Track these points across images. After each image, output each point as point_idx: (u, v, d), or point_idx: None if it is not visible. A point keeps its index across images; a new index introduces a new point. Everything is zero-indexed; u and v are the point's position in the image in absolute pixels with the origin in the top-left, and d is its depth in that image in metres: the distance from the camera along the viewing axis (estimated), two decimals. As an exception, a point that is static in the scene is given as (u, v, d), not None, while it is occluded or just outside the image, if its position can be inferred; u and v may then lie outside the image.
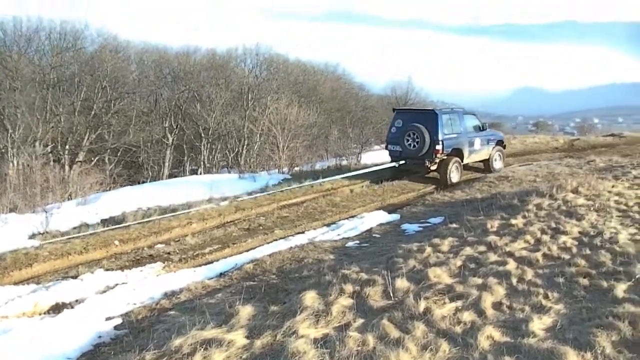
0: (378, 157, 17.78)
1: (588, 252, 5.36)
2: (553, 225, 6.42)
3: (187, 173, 27.84)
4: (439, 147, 12.08)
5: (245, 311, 4.37)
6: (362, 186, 12.19)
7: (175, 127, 30.96)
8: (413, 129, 12.31)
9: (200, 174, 26.03)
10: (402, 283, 4.64)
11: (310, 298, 4.42)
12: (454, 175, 12.50)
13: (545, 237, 5.96)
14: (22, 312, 5.37)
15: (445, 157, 12.38)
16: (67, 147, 26.05)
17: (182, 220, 8.90)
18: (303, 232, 8.51)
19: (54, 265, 6.87)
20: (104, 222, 9.21)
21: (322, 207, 10.11)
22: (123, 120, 29.38)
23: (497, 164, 14.06)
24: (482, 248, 5.81)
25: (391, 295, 4.45)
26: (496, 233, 6.36)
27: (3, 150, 22.25)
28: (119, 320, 5.10)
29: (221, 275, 6.49)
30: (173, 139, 30.34)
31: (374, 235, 8.03)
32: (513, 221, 6.75)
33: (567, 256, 5.32)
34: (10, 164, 19.81)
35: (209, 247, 7.71)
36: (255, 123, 26.52)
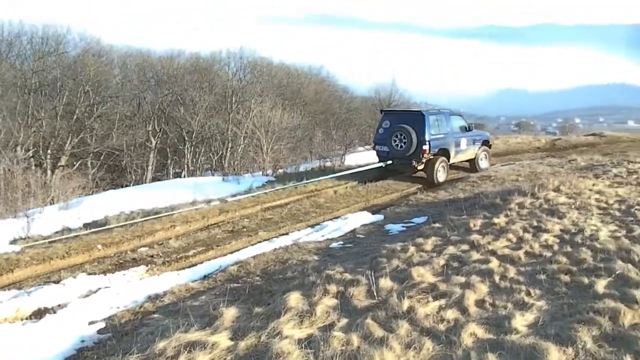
0: (362, 158, 17.87)
1: (569, 249, 5.41)
2: (535, 223, 6.48)
3: (171, 176, 27.66)
4: (426, 147, 12.20)
5: (230, 313, 4.35)
6: (346, 187, 12.21)
7: (158, 130, 30.80)
8: (400, 130, 12.41)
9: (184, 177, 25.92)
10: (385, 283, 4.64)
11: (294, 299, 4.41)
12: (441, 175, 12.63)
13: (527, 236, 6.02)
14: (4, 317, 5.28)
15: (432, 157, 12.52)
16: (49, 151, 25.80)
17: (165, 223, 8.82)
18: (287, 234, 8.49)
19: (35, 270, 6.76)
20: (87, 226, 9.12)
21: (306, 208, 10.10)
22: (106, 124, 29.18)
23: (483, 164, 14.29)
24: (465, 247, 5.84)
25: (375, 294, 4.45)
26: (479, 232, 6.40)
27: (-17, 155, 21.90)
28: (102, 325, 5.06)
29: (205, 277, 6.45)
30: (156, 143, 30.18)
31: (357, 235, 8.04)
32: (495, 220, 6.80)
33: (548, 254, 5.37)
34: (-10, 169, 19.52)
35: (192, 250, 7.65)
36: (239, 126, 26.51)
